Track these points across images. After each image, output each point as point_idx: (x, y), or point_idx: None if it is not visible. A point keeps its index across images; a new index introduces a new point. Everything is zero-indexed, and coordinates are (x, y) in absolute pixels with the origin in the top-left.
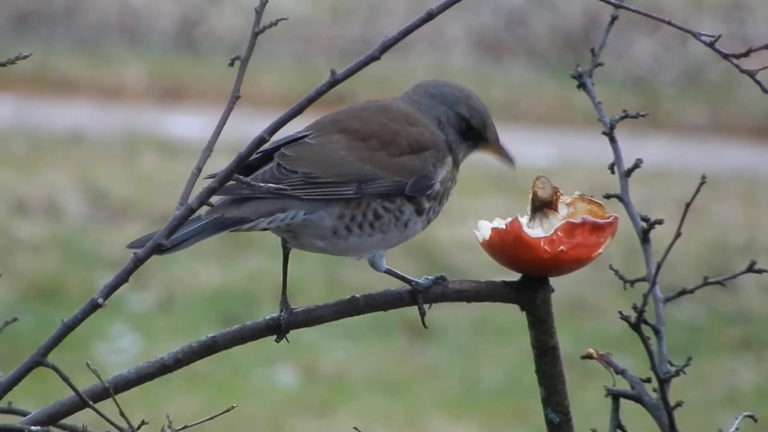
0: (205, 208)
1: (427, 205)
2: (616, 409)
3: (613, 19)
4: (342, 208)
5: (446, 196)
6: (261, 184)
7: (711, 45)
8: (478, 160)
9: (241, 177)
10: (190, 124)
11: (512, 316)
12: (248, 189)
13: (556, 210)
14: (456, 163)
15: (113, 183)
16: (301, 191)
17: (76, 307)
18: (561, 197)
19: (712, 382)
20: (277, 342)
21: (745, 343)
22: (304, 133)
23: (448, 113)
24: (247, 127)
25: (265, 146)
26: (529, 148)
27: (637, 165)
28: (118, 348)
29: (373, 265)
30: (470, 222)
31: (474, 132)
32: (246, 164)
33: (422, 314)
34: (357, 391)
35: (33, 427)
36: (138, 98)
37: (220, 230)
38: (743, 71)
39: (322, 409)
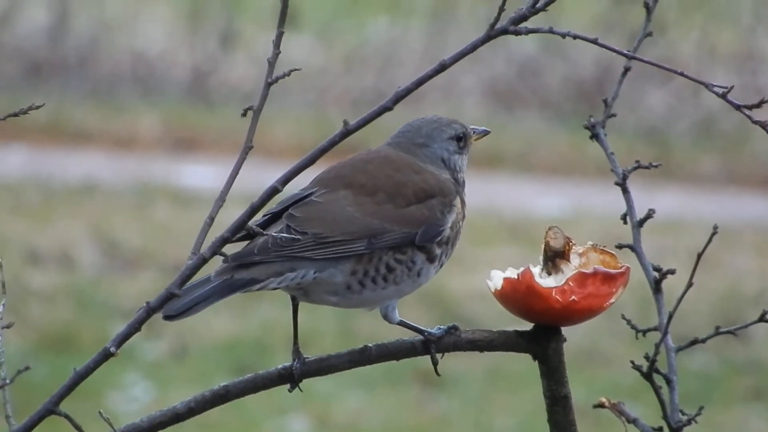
0: (213, 266)
1: (438, 251)
2: None
3: (626, 70)
4: (354, 264)
5: (458, 238)
6: (275, 234)
7: (723, 96)
8: (492, 209)
9: (254, 227)
10: (203, 174)
11: (525, 365)
12: (262, 241)
13: (568, 260)
14: (463, 200)
15: (126, 233)
16: (313, 252)
17: (89, 356)
18: (573, 247)
19: None
20: (290, 391)
21: (757, 393)
22: (311, 191)
23: (444, 145)
24: (260, 177)
25: (272, 207)
26: (543, 198)
27: (649, 215)
28: (130, 397)
29: (386, 317)
30: (483, 271)
31: (464, 139)
32: (246, 230)
33: (435, 363)
34: None
35: None
36: (151, 148)
37: (230, 293)
38: (755, 122)
39: None
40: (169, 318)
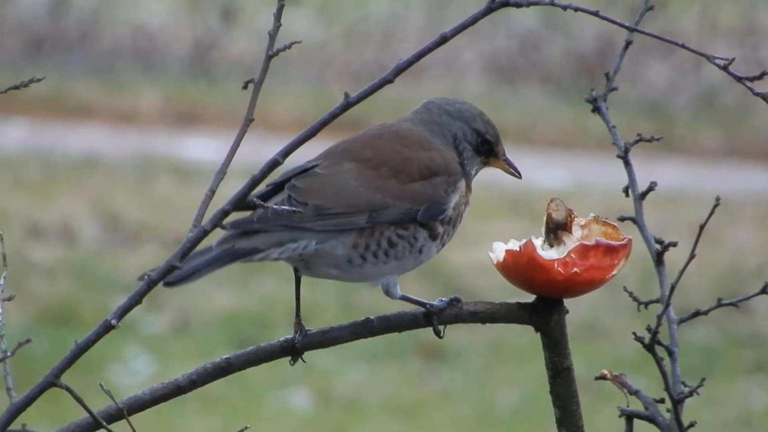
0: (215, 237)
1: (441, 229)
2: (629, 430)
3: (628, 43)
4: (356, 238)
5: (459, 220)
6: (275, 206)
7: (725, 68)
8: (493, 183)
9: (255, 199)
10: (204, 148)
11: (527, 338)
12: (263, 210)
13: (570, 232)
14: (469, 186)
15: (127, 207)
16: (313, 223)
17: (90, 330)
18: (575, 219)
19: (726, 405)
20: (292, 364)
21: (759, 366)
22: (315, 163)
23: (465, 129)
24: (260, 151)
25: (275, 178)
26: (544, 171)
27: (651, 188)
28: (131, 370)
29: (388, 293)
30: (484, 245)
31: (487, 146)
32: (247, 203)
33: (437, 334)
34: (371, 415)
35: None
36: (152, 123)
37: (231, 261)
38: (757, 94)
39: None
40: (170, 285)
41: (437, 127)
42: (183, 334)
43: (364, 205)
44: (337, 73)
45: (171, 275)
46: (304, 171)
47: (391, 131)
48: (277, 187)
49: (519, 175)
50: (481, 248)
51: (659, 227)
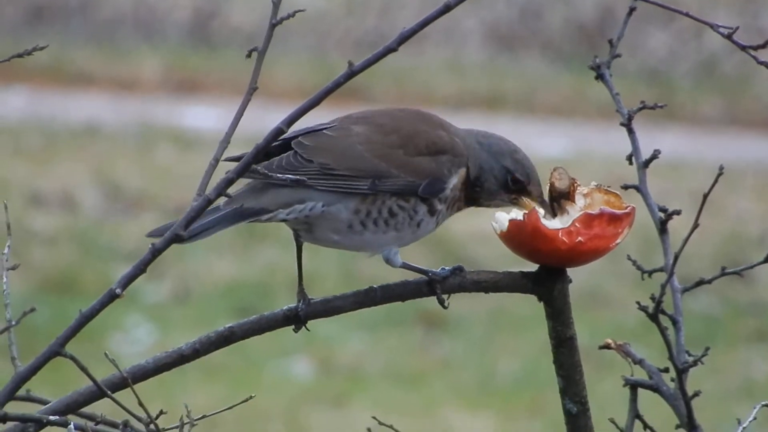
0: (223, 199)
1: (439, 207)
2: (634, 399)
3: (631, 10)
4: (358, 203)
5: (453, 206)
6: (278, 175)
7: (729, 37)
8: None
9: (258, 167)
10: (204, 116)
11: (528, 307)
12: (264, 179)
13: (573, 201)
14: (466, 182)
15: (128, 175)
16: (317, 181)
17: (92, 299)
18: (578, 188)
19: (728, 373)
20: (296, 332)
21: (761, 335)
22: (328, 125)
23: (491, 163)
24: (261, 119)
25: (285, 135)
26: (544, 139)
27: (655, 156)
28: (133, 339)
29: (389, 261)
30: (484, 213)
31: (519, 185)
32: (265, 152)
33: (441, 303)
34: (373, 383)
35: (51, 417)
36: (153, 91)
37: (240, 220)
38: (761, 63)
39: (338, 401)
40: (179, 241)
41: (472, 140)
42: (184, 303)
43: (368, 171)
44: (337, 41)
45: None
46: (314, 131)
47: (418, 112)
48: (285, 145)
49: (553, 216)
50: (480, 217)
51: (660, 195)
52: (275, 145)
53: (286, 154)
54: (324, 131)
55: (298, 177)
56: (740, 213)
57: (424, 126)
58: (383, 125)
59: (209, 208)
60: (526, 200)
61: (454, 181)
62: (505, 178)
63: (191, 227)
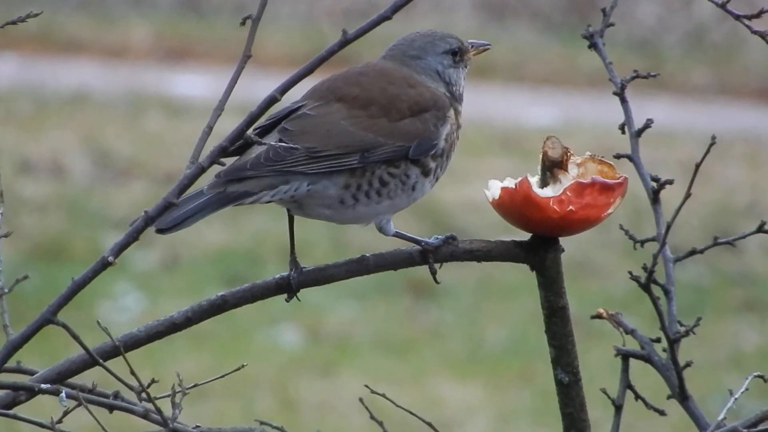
0: (206, 183)
1: (433, 164)
2: (625, 369)
3: None
4: (347, 178)
5: (453, 149)
6: (275, 144)
7: (723, 6)
8: (483, 120)
9: (252, 136)
10: (194, 84)
11: (517, 276)
12: (254, 156)
13: (566, 170)
14: (457, 115)
15: (118, 143)
16: (305, 166)
17: (81, 266)
18: (572, 157)
19: (717, 344)
20: (288, 301)
21: (749, 305)
22: (301, 103)
23: (437, 59)
24: (251, 87)
25: (262, 121)
26: (534, 109)
27: (647, 125)
28: (122, 307)
29: (381, 230)
30: (474, 182)
31: (460, 53)
32: (245, 139)
33: (433, 273)
34: (361, 352)
35: (43, 385)
36: (143, 58)
37: (223, 205)
38: (755, 32)
39: (327, 369)
40: (162, 231)
41: (414, 63)
42: (173, 271)
43: (356, 145)
44: (326, 9)
45: (162, 221)
46: (291, 112)
47: (375, 69)
48: (265, 131)
49: (488, 44)
50: (471, 186)
51: (649, 165)
52: (256, 131)
53: (271, 145)
54: (304, 111)
55: (291, 146)
56: (729, 182)
57: (395, 89)
58: (358, 97)
59: (191, 194)
60: (468, 56)
61: (446, 130)
62: (452, 60)
63: (174, 215)
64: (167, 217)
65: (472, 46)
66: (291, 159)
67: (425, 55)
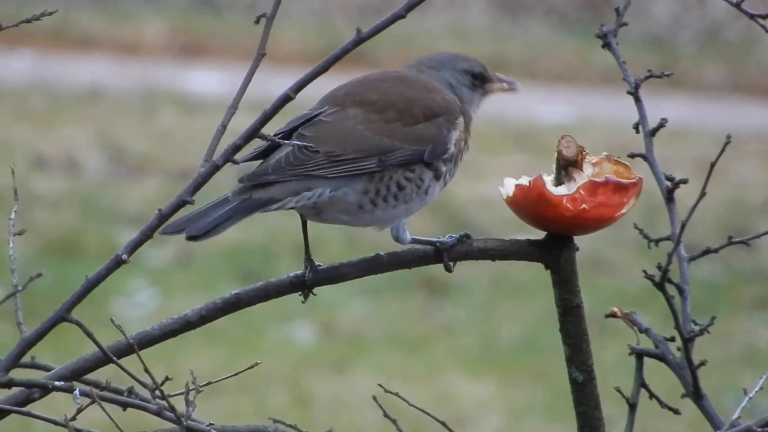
0: (231, 190)
1: (444, 168)
2: (640, 368)
3: None
4: (366, 183)
5: (461, 157)
6: (292, 143)
7: (737, 5)
8: (497, 117)
9: (266, 134)
10: (208, 80)
11: (530, 273)
12: (275, 161)
13: (581, 169)
14: (467, 124)
15: (131, 139)
16: (326, 170)
17: (94, 262)
18: (587, 157)
19: (730, 341)
20: (303, 302)
21: (763, 302)
22: (319, 110)
23: (454, 74)
24: (265, 84)
25: (281, 127)
26: (547, 106)
27: (662, 124)
28: (136, 303)
29: (398, 239)
30: (489, 180)
31: (479, 78)
32: (265, 147)
33: (448, 270)
34: (375, 348)
35: (57, 383)
36: (156, 54)
37: (251, 212)
38: None
39: (340, 366)
40: (193, 239)
41: (430, 72)
42: (187, 267)
43: (374, 150)
44: (340, 4)
45: (193, 229)
46: (309, 119)
47: (395, 75)
48: (284, 137)
49: (516, 86)
50: (485, 183)
51: (663, 163)
52: (261, 149)
53: (289, 149)
54: (320, 118)
55: (306, 144)
56: (743, 180)
57: (412, 93)
58: (375, 102)
59: (217, 201)
60: (491, 86)
61: (455, 135)
62: (468, 80)
63: (204, 222)
64: (197, 224)
65: (500, 80)
66: (312, 163)
67: (442, 68)
